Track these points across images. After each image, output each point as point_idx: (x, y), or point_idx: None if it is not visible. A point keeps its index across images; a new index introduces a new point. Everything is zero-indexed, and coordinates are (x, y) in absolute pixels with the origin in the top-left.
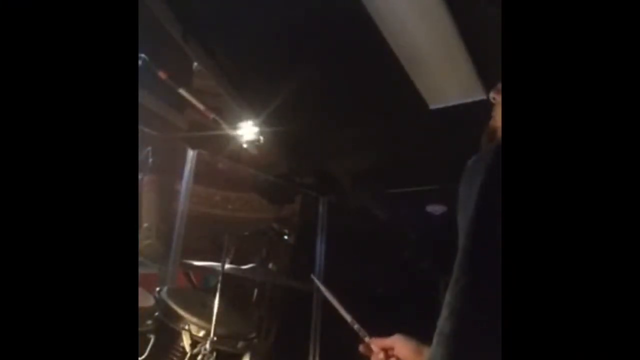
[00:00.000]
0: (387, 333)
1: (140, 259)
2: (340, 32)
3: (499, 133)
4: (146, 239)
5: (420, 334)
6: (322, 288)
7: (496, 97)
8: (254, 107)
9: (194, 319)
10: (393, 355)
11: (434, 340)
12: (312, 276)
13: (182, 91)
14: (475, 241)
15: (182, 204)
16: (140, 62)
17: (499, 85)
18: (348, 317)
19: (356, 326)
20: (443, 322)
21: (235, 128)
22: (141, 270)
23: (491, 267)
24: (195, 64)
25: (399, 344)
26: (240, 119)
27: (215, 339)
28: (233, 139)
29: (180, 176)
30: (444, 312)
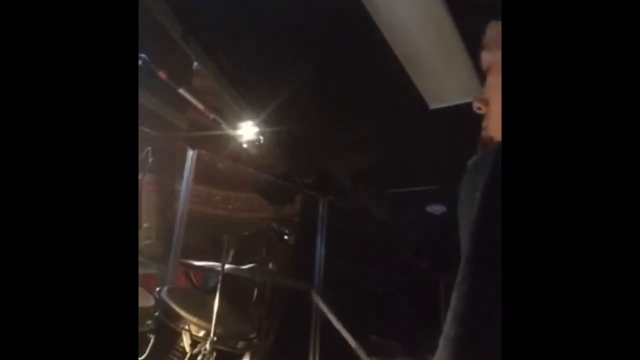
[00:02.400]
0: (385, 333)
1: (140, 259)
2: (340, 33)
3: (486, 143)
4: (146, 239)
5: (420, 333)
6: (323, 307)
7: (482, 107)
8: (254, 107)
9: (194, 319)
10: None
11: (440, 345)
12: (313, 292)
13: (182, 91)
14: (478, 244)
15: (182, 204)
16: (140, 62)
17: (484, 94)
18: (350, 339)
19: (356, 346)
20: (448, 326)
21: (235, 128)
22: (141, 270)
23: (495, 271)
24: (195, 64)
25: None
26: (240, 119)
27: (215, 339)
28: (233, 139)
29: (180, 176)
30: (449, 316)
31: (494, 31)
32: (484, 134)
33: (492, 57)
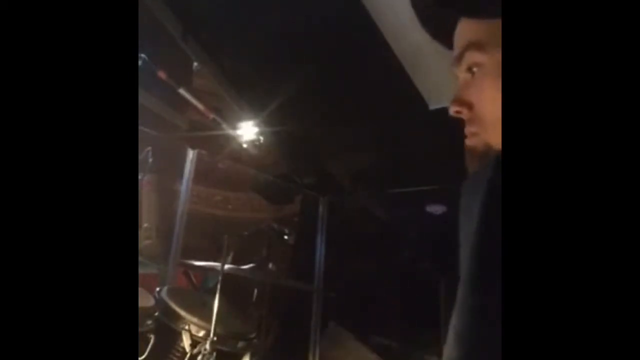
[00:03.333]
0: (385, 333)
1: (140, 259)
2: (340, 32)
3: (482, 152)
4: (146, 239)
5: (420, 333)
6: None
7: (462, 111)
8: (254, 107)
9: (194, 319)
10: None
11: None
12: None
13: (182, 91)
14: (478, 264)
15: (182, 204)
16: (140, 62)
17: (462, 96)
18: None
19: None
20: (449, 348)
21: (235, 128)
22: (141, 270)
23: (497, 289)
24: (195, 64)
25: None
26: (240, 119)
27: (215, 339)
28: (233, 139)
29: (180, 176)
30: (450, 336)
31: (484, 30)
32: (471, 142)
33: (486, 58)
